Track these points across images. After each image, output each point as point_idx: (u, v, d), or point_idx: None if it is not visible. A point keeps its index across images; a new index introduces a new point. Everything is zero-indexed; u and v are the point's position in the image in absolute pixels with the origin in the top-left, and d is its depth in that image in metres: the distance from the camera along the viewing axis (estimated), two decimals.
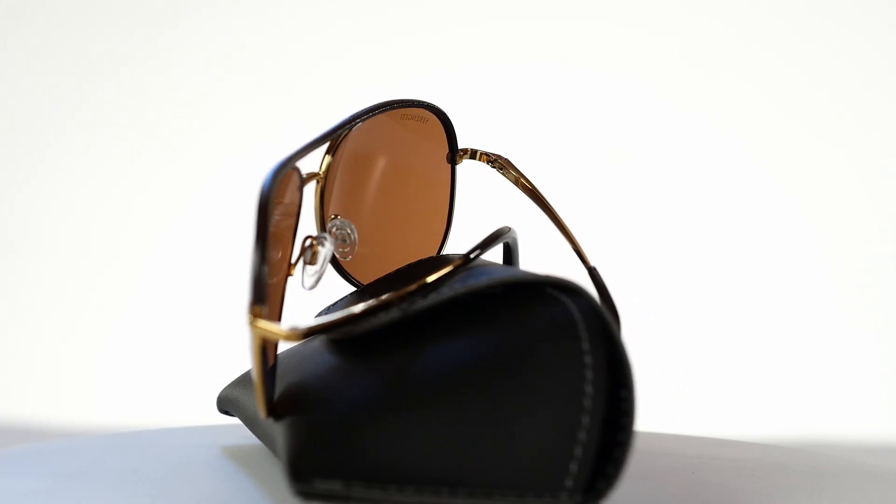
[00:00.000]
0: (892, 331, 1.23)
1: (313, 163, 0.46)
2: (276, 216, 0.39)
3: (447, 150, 0.49)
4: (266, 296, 0.34)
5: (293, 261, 0.42)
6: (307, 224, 0.45)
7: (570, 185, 1.18)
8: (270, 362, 0.38)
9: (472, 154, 0.49)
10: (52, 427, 1.21)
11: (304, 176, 0.42)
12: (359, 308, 0.35)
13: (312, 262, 0.42)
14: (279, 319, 0.40)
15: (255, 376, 0.35)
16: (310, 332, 0.34)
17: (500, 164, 0.48)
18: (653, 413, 1.18)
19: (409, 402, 0.34)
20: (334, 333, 0.37)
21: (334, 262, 0.47)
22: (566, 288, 0.35)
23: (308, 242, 0.42)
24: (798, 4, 1.24)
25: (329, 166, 0.46)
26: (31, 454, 0.46)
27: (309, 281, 0.41)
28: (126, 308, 1.27)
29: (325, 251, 0.42)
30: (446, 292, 0.35)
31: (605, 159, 1.21)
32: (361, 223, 0.48)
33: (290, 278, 0.41)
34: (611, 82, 1.24)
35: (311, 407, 0.35)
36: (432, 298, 0.35)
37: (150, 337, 1.24)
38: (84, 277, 1.26)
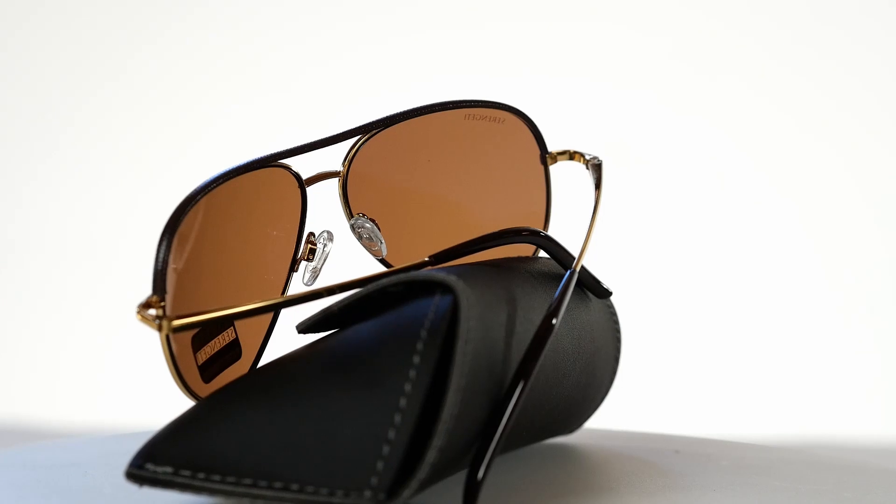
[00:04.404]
0: (892, 331, 1.23)
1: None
2: (238, 215, 0.39)
3: (537, 152, 0.48)
4: (165, 288, 0.34)
5: (297, 257, 0.43)
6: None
7: (569, 183, 1.17)
8: (256, 354, 0.39)
9: (571, 155, 0.48)
10: (52, 427, 1.21)
11: (307, 176, 0.43)
12: (257, 304, 0.36)
13: (309, 258, 0.43)
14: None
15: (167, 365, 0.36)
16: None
17: (593, 166, 0.47)
18: (650, 413, 1.18)
19: (253, 397, 0.34)
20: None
21: (382, 261, 0.47)
22: (447, 287, 0.35)
23: (311, 238, 0.43)
24: (799, 4, 1.24)
25: (351, 164, 0.45)
26: (31, 454, 0.46)
27: (306, 276, 0.43)
28: (127, 308, 1.27)
29: (321, 247, 0.43)
30: (362, 291, 0.36)
31: (605, 154, 1.21)
32: (426, 224, 0.47)
33: (294, 274, 0.43)
34: (610, 81, 1.24)
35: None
36: (350, 297, 0.36)
37: (151, 336, 1.24)
38: (85, 277, 1.27)
